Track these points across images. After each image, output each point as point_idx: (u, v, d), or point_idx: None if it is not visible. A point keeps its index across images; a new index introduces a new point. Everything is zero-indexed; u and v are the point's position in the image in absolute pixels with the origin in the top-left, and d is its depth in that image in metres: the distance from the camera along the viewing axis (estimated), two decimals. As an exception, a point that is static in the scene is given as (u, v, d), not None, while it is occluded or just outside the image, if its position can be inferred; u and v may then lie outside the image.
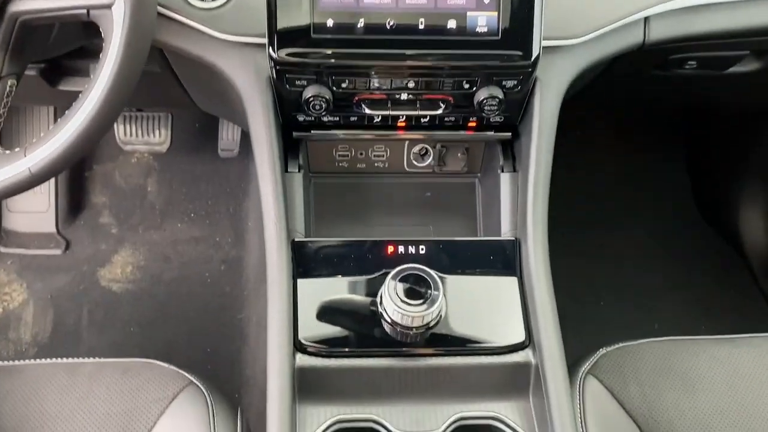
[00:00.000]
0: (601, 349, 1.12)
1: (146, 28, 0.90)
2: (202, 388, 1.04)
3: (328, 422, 0.96)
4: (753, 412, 1.05)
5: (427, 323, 0.96)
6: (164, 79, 1.21)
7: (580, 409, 1.02)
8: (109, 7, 0.87)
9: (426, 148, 1.23)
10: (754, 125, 1.80)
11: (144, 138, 1.91)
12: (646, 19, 1.07)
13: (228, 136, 1.89)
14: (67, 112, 0.87)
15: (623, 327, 1.79)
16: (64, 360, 1.08)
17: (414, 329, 0.96)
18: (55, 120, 1.87)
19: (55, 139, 0.85)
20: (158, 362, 1.08)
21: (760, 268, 1.85)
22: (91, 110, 0.84)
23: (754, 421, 1.05)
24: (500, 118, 1.10)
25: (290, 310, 0.98)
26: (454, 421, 0.97)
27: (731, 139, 1.90)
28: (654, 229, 1.96)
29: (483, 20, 0.97)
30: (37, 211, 1.88)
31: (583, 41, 1.04)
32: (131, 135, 1.91)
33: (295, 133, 1.12)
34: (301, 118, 1.08)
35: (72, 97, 0.89)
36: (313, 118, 1.08)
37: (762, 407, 1.06)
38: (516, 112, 1.09)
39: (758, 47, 1.19)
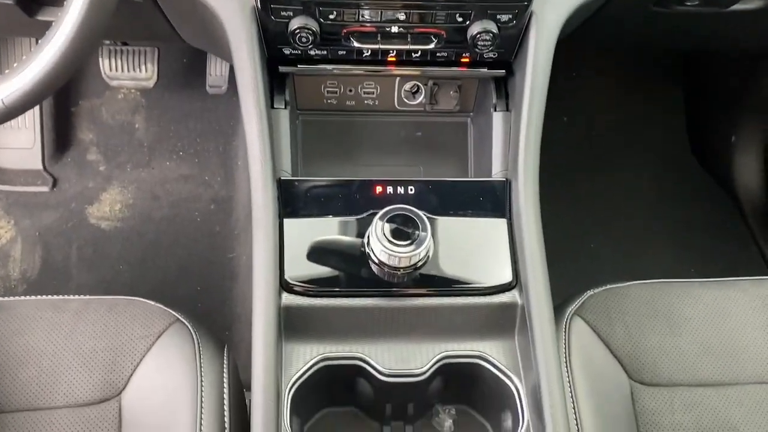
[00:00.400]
0: (588, 291, 1.12)
1: None
2: (188, 325, 1.04)
3: (314, 360, 0.97)
4: (736, 353, 1.07)
5: (415, 264, 0.95)
6: (146, 9, 1.17)
7: (565, 348, 1.03)
8: None
9: (417, 86, 1.20)
10: (751, 69, 1.76)
11: (130, 73, 1.86)
12: None
13: (216, 71, 1.84)
14: (40, 41, 0.83)
15: (613, 270, 1.79)
16: (51, 297, 1.08)
17: (401, 270, 0.95)
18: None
19: (27, 70, 0.81)
20: (144, 299, 1.08)
21: (753, 213, 1.85)
22: (63, 41, 0.81)
23: (738, 361, 1.06)
24: (494, 55, 1.07)
25: (276, 250, 0.97)
26: (439, 360, 0.98)
27: (728, 83, 1.86)
28: (648, 173, 1.94)
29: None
30: (23, 148, 1.85)
31: None
32: (117, 70, 1.86)
33: (281, 68, 1.08)
34: (287, 51, 1.05)
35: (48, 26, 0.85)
36: (299, 52, 1.05)
37: (745, 347, 1.07)
38: (510, 48, 1.06)
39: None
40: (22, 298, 1.08)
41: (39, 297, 1.08)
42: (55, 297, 1.08)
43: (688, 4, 1.17)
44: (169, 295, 1.72)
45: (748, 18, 1.23)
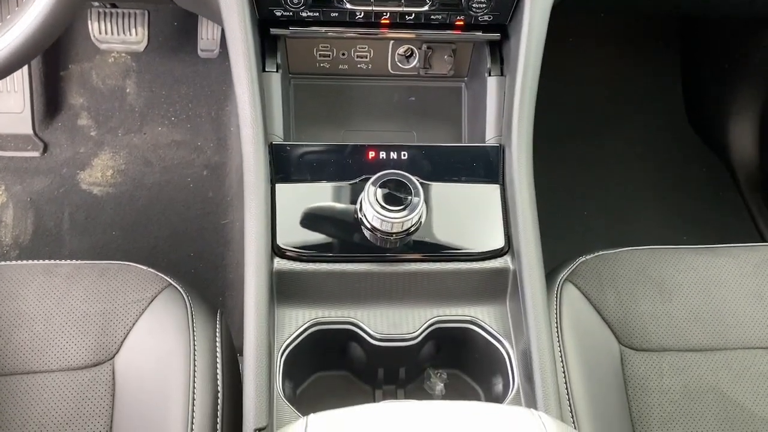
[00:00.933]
0: (580, 257, 1.12)
1: None
2: (180, 290, 1.04)
3: (306, 324, 0.97)
4: (725, 318, 1.07)
5: (407, 229, 0.95)
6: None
7: (556, 314, 1.03)
8: None
9: (411, 50, 1.18)
10: (748, 34, 1.74)
11: (120, 36, 1.83)
12: None
13: (207, 35, 1.81)
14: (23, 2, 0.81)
15: (606, 236, 1.80)
16: (42, 261, 1.07)
17: (394, 235, 0.95)
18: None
19: (10, 31, 0.79)
20: (136, 264, 1.07)
21: (746, 181, 1.85)
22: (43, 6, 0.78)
23: (726, 326, 1.07)
24: (489, 18, 1.05)
25: (268, 215, 0.97)
26: (431, 325, 0.98)
27: (725, 48, 1.84)
28: (642, 140, 1.94)
29: None
30: (12, 112, 1.83)
31: None
32: (107, 33, 1.83)
33: (272, 30, 1.06)
34: (278, 13, 1.03)
35: None
36: (291, 14, 1.03)
37: (734, 312, 1.08)
38: (505, 12, 1.04)
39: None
40: (13, 262, 1.08)
41: (30, 261, 1.07)
42: (47, 261, 1.07)
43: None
44: (162, 261, 1.72)
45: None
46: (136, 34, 1.83)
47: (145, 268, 1.06)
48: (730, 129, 1.84)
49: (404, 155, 1.03)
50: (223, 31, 1.79)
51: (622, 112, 1.96)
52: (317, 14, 1.04)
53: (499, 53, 1.12)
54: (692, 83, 1.96)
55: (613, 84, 1.98)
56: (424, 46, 1.18)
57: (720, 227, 1.83)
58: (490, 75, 1.11)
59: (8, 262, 1.07)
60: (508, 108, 1.04)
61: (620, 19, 1.97)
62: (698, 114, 1.94)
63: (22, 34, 0.79)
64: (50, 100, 1.86)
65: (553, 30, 1.04)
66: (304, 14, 1.03)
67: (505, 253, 1.00)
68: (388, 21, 1.05)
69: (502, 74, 1.10)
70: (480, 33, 1.09)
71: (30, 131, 1.82)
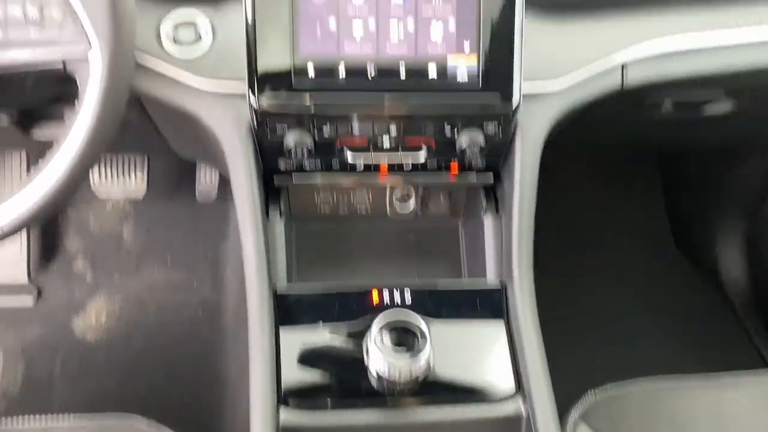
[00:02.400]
0: (588, 393, 1.11)
1: (124, 79, 0.88)
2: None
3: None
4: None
5: (416, 377, 0.94)
6: (141, 125, 1.20)
7: (572, 457, 1.00)
8: (85, 57, 0.85)
9: (408, 193, 1.22)
10: (730, 162, 1.82)
11: (119, 180, 1.87)
12: (624, 65, 1.09)
13: (206, 179, 1.86)
14: (40, 162, 0.84)
15: (607, 367, 1.77)
16: (37, 424, 1.03)
17: (401, 384, 0.94)
18: (28, 168, 1.83)
19: (27, 195, 0.82)
20: (137, 417, 1.04)
21: (741, 305, 1.86)
22: (65, 167, 0.82)
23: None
24: (482, 164, 1.10)
25: (273, 364, 0.96)
26: None
27: (708, 175, 1.92)
28: (633, 267, 1.95)
29: (463, 69, 0.97)
30: (7, 260, 1.83)
31: (561, 89, 1.05)
32: (106, 179, 1.87)
33: (276, 182, 1.10)
34: (282, 164, 1.07)
35: (44, 143, 0.87)
36: (293, 165, 1.07)
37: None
38: (498, 157, 1.09)
39: (732, 88, 1.21)
40: (5, 426, 1.03)
41: (24, 426, 1.02)
42: (42, 424, 1.03)
43: (663, 111, 1.22)
44: (157, 406, 1.66)
45: (721, 121, 1.29)
46: (136, 179, 1.87)
47: (145, 426, 1.02)
48: (719, 254, 1.87)
49: (407, 295, 1.04)
50: (221, 175, 1.85)
51: (610, 240, 1.99)
52: (318, 162, 1.08)
53: (494, 194, 1.16)
54: (676, 210, 2.01)
55: (600, 211, 2.03)
56: (421, 189, 1.22)
57: (721, 349, 1.82)
58: (485, 214, 1.14)
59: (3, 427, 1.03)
60: (507, 247, 1.07)
61: (602, 153, 2.05)
62: (685, 239, 1.98)
63: (41, 200, 0.81)
64: (46, 245, 1.86)
65: (541, 164, 1.08)
66: (306, 164, 1.07)
67: (515, 395, 0.98)
68: (386, 167, 1.10)
69: (497, 212, 1.14)
70: (474, 179, 1.13)
71: (25, 280, 1.81)
